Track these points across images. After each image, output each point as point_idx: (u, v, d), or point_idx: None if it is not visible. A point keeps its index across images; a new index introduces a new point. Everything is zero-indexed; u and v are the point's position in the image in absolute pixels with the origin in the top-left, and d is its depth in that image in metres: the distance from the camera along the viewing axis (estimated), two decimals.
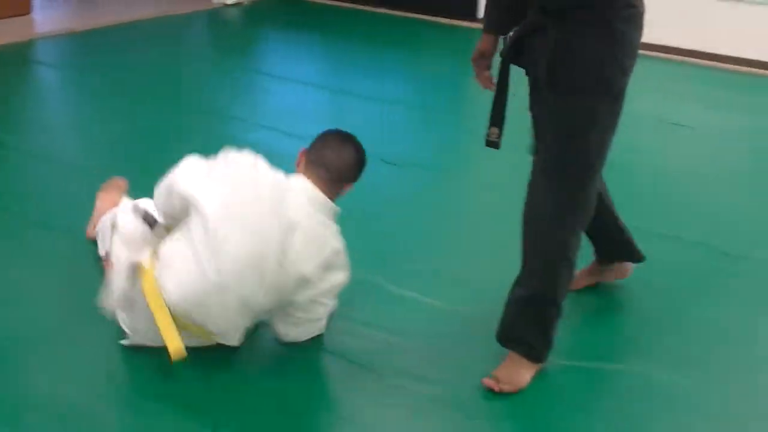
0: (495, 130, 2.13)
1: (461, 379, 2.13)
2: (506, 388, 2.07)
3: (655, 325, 2.44)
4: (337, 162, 2.17)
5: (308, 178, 2.15)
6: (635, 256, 2.51)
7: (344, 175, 2.20)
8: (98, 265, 2.49)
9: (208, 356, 2.15)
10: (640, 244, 2.51)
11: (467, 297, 2.52)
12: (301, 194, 2.11)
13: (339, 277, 2.16)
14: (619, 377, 2.21)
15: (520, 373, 2.10)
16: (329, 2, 6.81)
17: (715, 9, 5.34)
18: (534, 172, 2.05)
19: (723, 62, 5.29)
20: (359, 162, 2.24)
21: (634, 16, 1.91)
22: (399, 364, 2.19)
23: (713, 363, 2.27)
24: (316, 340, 2.25)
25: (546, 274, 2.06)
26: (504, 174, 3.12)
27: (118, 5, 6.57)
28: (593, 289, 2.55)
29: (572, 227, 2.04)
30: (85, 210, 2.79)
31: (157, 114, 4.15)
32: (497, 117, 2.12)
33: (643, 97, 4.42)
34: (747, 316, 2.53)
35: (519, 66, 2.06)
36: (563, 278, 2.07)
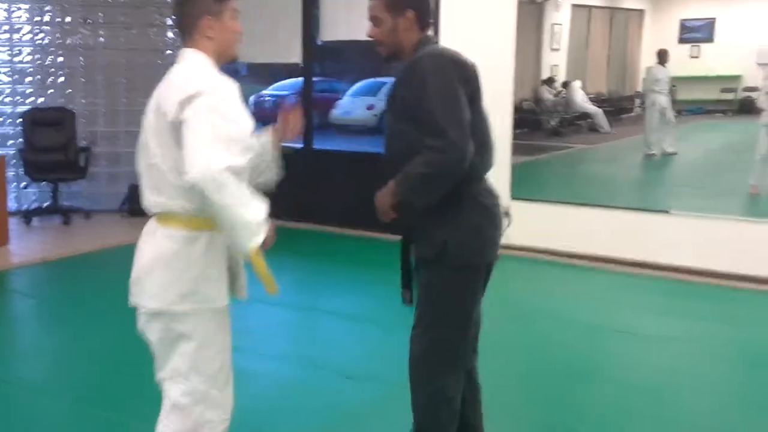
0: (406, 291, 2.64)
1: None
2: None
3: None
4: None
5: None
6: None
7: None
8: None
9: None
10: None
11: None
12: None
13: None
14: None
15: None
16: (298, 225, 7.15)
17: (648, 220, 5.76)
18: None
19: (663, 271, 5.52)
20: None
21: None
22: None
23: None
24: None
25: (424, 411, 2.54)
26: None
27: (93, 234, 6.93)
28: None
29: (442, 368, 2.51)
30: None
31: (124, 335, 4.29)
32: (406, 281, 2.64)
33: (591, 308, 4.84)
34: None
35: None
36: (441, 415, 2.51)
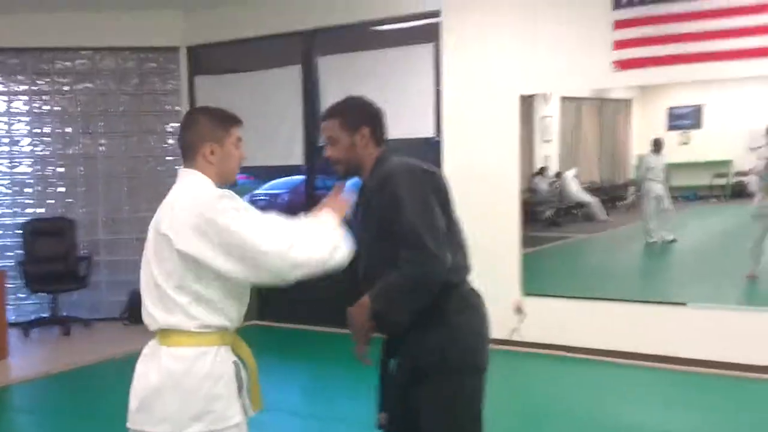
0: (384, 415, 2.52)
1: None
2: None
3: None
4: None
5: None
6: None
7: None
8: None
9: None
10: None
11: None
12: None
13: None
14: None
15: None
16: (302, 327, 7.12)
17: (664, 313, 5.67)
18: None
19: (680, 365, 5.45)
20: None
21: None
22: None
23: None
24: None
25: None
26: None
27: (94, 344, 6.84)
28: None
29: None
30: None
31: None
32: (385, 402, 2.54)
33: (604, 405, 4.75)
34: None
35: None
36: None
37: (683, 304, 5.66)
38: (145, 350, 2.25)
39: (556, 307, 5.96)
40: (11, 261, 7.52)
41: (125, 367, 6.40)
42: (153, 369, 2.18)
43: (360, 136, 2.50)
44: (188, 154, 2.28)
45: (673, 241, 8.67)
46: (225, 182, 2.30)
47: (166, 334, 2.18)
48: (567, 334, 5.87)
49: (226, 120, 2.31)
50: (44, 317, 7.50)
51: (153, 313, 2.18)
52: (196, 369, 2.13)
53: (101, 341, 6.93)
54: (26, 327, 7.22)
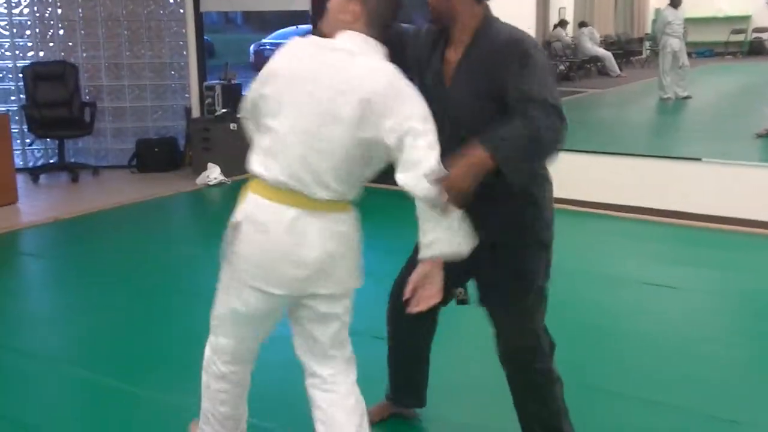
0: (461, 290, 2.41)
1: None
2: None
3: None
4: None
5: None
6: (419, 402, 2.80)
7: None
8: None
9: None
10: (623, 410, 2.76)
11: None
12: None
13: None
14: None
15: None
16: None
17: (678, 169, 5.65)
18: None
19: (692, 220, 5.47)
20: None
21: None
22: None
23: None
24: None
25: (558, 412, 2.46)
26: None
27: (103, 191, 6.82)
28: None
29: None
30: (61, 409, 2.97)
31: (140, 299, 4.21)
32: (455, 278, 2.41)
33: (619, 260, 4.74)
34: None
35: None
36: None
37: (698, 159, 5.62)
38: (285, 218, 2.05)
39: (567, 161, 5.87)
40: (14, 105, 7.42)
41: (133, 213, 6.41)
42: (323, 236, 2.07)
43: None
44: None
45: (687, 97, 8.51)
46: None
47: (320, 204, 2.06)
48: (578, 189, 5.83)
49: None
50: (52, 163, 7.50)
51: (330, 182, 2.04)
52: (356, 228, 2.16)
53: (110, 188, 6.93)
54: (34, 172, 7.23)
